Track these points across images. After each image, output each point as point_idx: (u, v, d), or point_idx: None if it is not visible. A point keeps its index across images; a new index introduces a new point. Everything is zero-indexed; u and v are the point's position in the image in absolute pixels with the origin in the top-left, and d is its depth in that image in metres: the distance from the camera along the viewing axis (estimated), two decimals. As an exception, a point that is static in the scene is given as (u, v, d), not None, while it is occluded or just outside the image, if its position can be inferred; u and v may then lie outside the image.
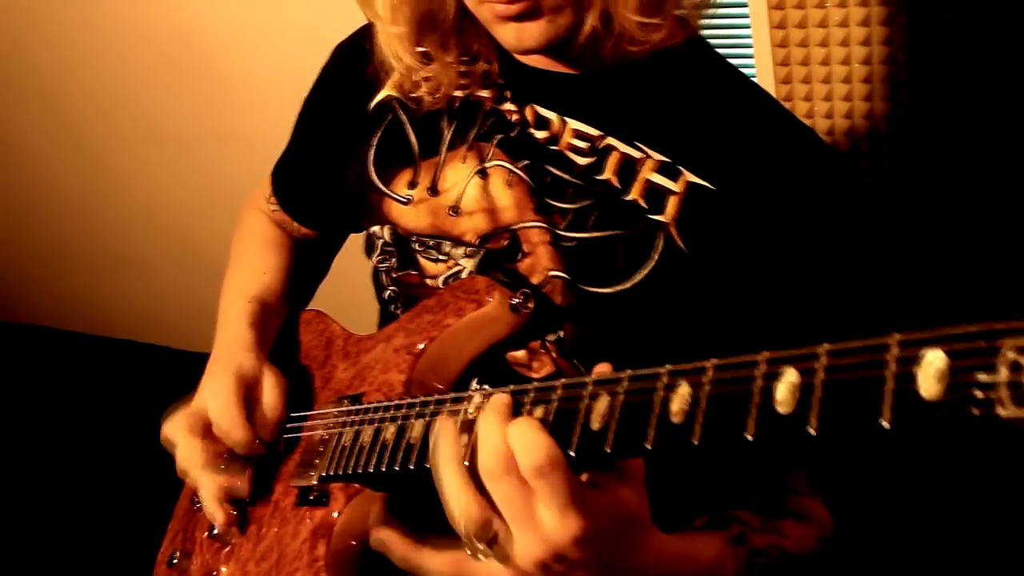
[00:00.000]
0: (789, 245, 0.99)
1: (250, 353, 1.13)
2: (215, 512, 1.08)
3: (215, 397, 1.07)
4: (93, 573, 2.34)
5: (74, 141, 2.77)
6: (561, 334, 1.03)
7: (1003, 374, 0.54)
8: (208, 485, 1.08)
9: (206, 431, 1.07)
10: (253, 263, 1.31)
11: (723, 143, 1.02)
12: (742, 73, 1.11)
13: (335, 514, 0.98)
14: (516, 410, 0.82)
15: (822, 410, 0.62)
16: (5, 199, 3.05)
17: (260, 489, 1.10)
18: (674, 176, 1.01)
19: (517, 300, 1.01)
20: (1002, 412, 0.54)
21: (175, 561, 1.16)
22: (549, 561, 0.74)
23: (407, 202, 1.12)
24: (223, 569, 1.10)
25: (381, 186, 1.14)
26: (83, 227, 2.96)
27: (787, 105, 1.71)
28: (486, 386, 1.05)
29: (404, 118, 1.15)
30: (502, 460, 0.72)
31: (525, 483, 0.72)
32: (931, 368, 0.57)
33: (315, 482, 1.01)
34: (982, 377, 0.55)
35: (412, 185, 1.12)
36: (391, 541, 0.88)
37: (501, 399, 0.79)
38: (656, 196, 1.01)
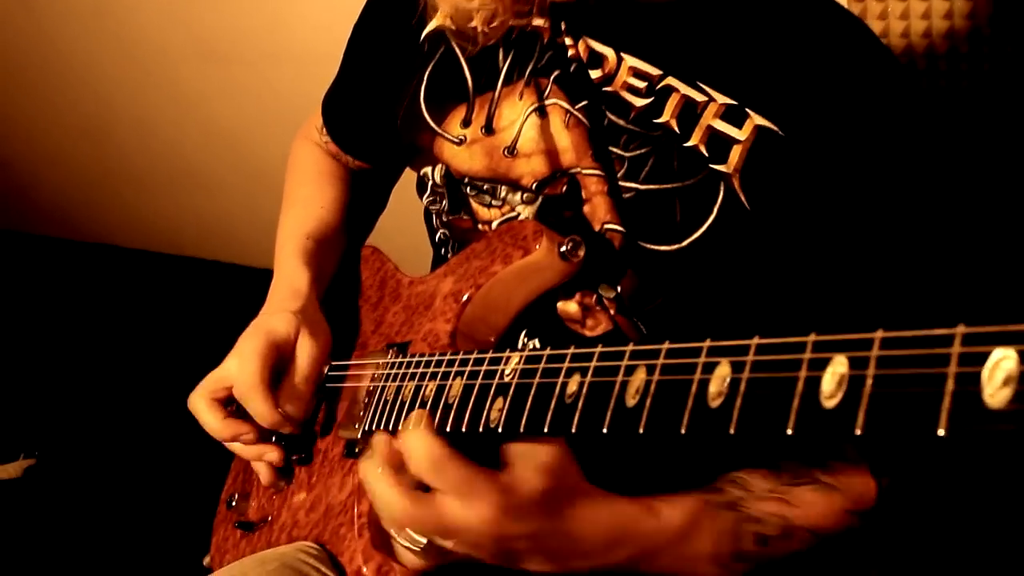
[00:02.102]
0: (862, 201, 0.89)
1: (290, 311, 1.08)
2: (260, 471, 1.09)
3: (241, 365, 1.03)
4: (164, 489, 2.39)
5: (132, 61, 2.76)
6: (619, 289, 0.96)
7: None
8: (241, 452, 1.07)
9: (228, 400, 1.06)
10: (308, 198, 1.26)
11: (795, 80, 0.91)
12: None
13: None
14: (553, 375, 0.77)
15: (870, 407, 0.54)
16: (67, 121, 3.08)
17: (311, 436, 1.09)
18: (740, 121, 0.91)
19: (566, 247, 0.94)
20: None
21: (234, 503, 1.17)
22: (473, 541, 0.77)
23: (460, 142, 1.04)
24: (277, 515, 1.10)
25: (433, 124, 1.06)
26: (145, 146, 2.97)
27: (858, 8, 1.53)
28: (531, 343, 1.00)
29: (458, 50, 1.07)
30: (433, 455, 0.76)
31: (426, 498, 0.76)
32: (999, 371, 0.49)
33: (359, 436, 0.99)
34: (1058, 387, 0.47)
35: (466, 123, 1.04)
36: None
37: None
38: (719, 144, 0.92)
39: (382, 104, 1.16)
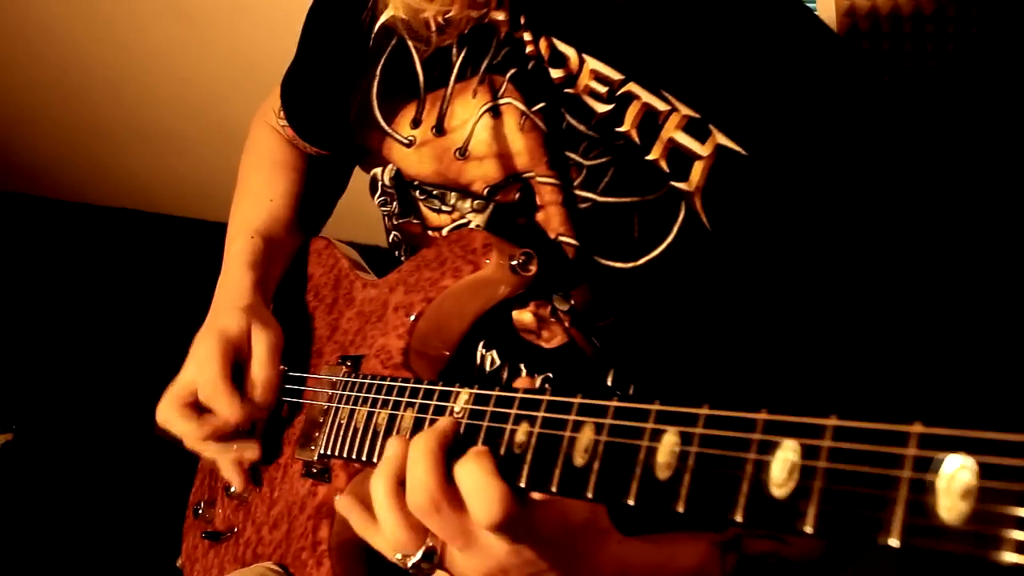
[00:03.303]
0: (827, 227, 0.84)
1: (239, 309, 1.04)
2: (232, 478, 1.05)
3: (200, 369, 1.00)
4: (143, 464, 2.32)
5: (101, 19, 2.68)
6: (572, 302, 0.92)
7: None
8: (218, 455, 1.04)
9: (198, 404, 1.01)
10: (258, 189, 1.21)
11: (761, 95, 0.85)
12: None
13: (336, 495, 0.92)
14: (502, 419, 0.73)
15: (822, 504, 0.50)
16: (39, 80, 3.00)
17: (270, 449, 1.05)
18: (702, 136, 0.85)
19: (518, 261, 0.89)
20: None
21: (200, 511, 1.14)
22: (495, 573, 0.72)
23: (410, 144, 0.99)
24: (242, 528, 1.07)
25: (384, 124, 1.01)
26: (117, 104, 2.89)
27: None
28: (490, 354, 0.97)
29: (410, 43, 1.00)
30: (431, 499, 0.69)
31: (459, 511, 0.69)
32: (955, 482, 0.45)
33: (315, 458, 0.95)
34: (1020, 511, 0.43)
35: (415, 123, 0.98)
36: (349, 510, 0.82)
37: (432, 435, 0.72)
38: (680, 159, 0.86)
39: (336, 95, 1.10)
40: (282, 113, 1.24)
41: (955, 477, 0.45)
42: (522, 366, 0.95)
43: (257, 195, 1.21)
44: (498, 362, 0.96)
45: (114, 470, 2.37)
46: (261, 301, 1.09)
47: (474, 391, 0.77)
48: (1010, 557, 0.42)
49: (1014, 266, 1.22)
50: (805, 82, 0.86)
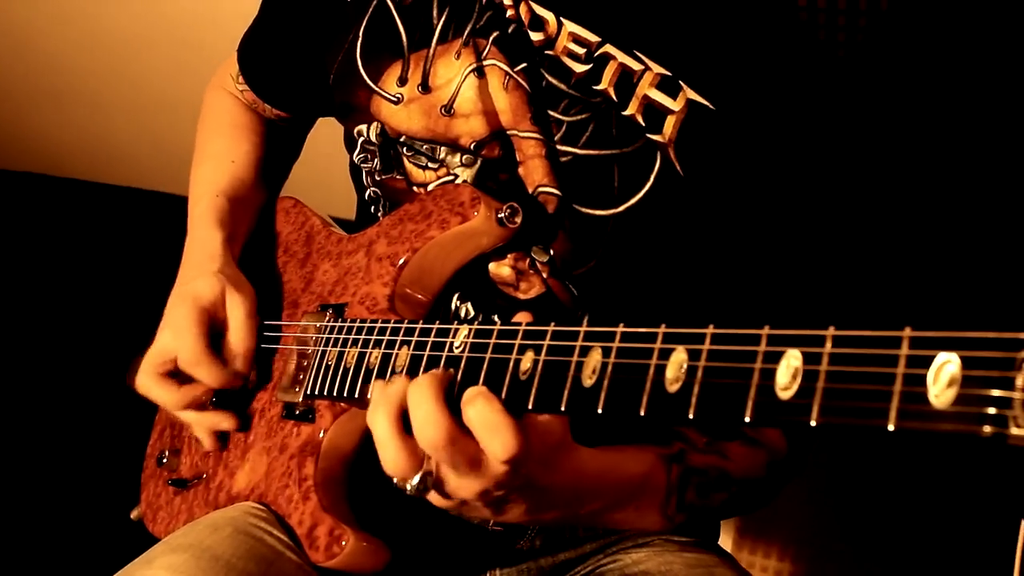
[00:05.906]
0: (792, 175, 0.94)
1: (211, 272, 1.08)
2: (205, 440, 1.09)
3: (178, 335, 1.04)
4: (83, 434, 2.31)
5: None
6: (552, 253, 0.99)
7: (1020, 390, 0.52)
8: (194, 421, 1.08)
9: (176, 371, 1.06)
10: (220, 152, 1.24)
11: (727, 54, 0.95)
12: None
13: (321, 433, 0.97)
14: (506, 351, 0.80)
15: (825, 400, 0.59)
16: None
17: (246, 397, 1.09)
18: (674, 93, 0.94)
19: (504, 214, 0.96)
20: (1014, 431, 0.51)
21: (164, 460, 1.17)
22: (490, 490, 0.78)
23: (398, 101, 1.05)
24: (212, 473, 1.10)
25: (371, 83, 1.06)
26: (22, 59, 2.78)
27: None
28: (464, 306, 1.03)
29: (390, 3, 1.06)
30: (446, 434, 0.74)
31: (472, 444, 0.74)
32: (943, 374, 0.55)
33: (300, 399, 1.00)
34: (996, 392, 0.52)
35: (402, 81, 1.04)
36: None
37: (432, 377, 0.79)
38: (654, 114, 0.95)
39: (306, 53, 1.15)
40: (241, 78, 1.27)
41: (943, 370, 0.55)
42: (495, 318, 1.02)
43: (218, 157, 1.24)
44: (472, 313, 1.02)
45: (58, 429, 2.33)
46: (231, 261, 1.12)
47: (474, 327, 0.83)
48: (989, 429, 0.52)
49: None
50: (768, 40, 0.96)
